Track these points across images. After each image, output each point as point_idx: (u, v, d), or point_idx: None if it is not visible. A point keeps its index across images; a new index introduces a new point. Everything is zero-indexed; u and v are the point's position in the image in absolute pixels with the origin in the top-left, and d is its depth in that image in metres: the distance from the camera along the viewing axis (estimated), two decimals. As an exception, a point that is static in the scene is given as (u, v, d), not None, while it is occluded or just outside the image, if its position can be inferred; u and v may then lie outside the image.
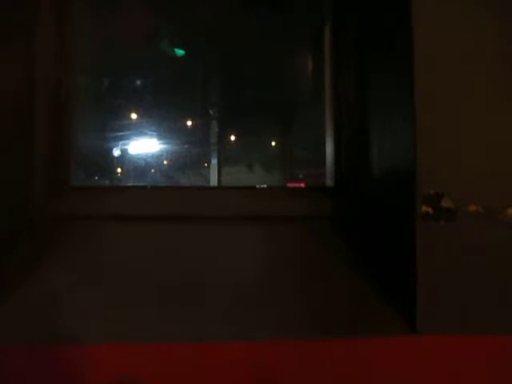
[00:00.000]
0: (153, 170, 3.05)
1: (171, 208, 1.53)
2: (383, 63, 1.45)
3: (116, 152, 2.87)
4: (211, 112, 3.08)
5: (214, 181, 3.09)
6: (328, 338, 1.22)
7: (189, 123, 3.14)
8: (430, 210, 1.20)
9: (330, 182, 1.67)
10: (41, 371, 1.16)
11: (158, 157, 2.97)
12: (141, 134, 2.85)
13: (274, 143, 3.24)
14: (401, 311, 1.25)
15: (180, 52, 2.76)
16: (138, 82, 2.84)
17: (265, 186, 1.72)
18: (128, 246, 1.43)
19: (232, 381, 1.19)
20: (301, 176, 3.10)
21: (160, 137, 2.88)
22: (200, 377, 1.18)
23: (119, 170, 3.02)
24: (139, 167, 2.98)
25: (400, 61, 1.29)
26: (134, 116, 2.93)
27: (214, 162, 3.16)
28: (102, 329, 1.20)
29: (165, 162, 3.04)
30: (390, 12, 1.38)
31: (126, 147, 2.90)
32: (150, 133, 2.85)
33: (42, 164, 1.51)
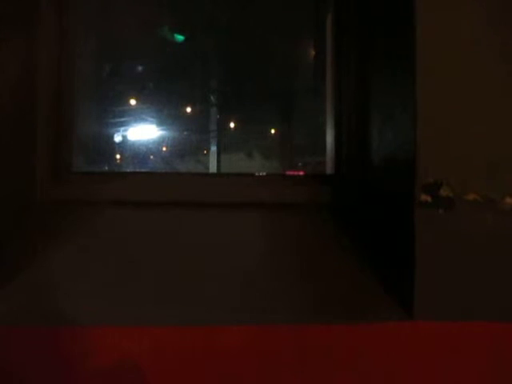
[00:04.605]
0: (152, 157, 3.05)
1: (171, 194, 1.54)
2: (385, 52, 1.45)
3: (115, 138, 2.87)
4: (211, 99, 3.07)
5: (213, 168, 3.09)
6: (327, 323, 1.23)
7: (188, 110, 3.13)
8: (428, 198, 1.21)
9: (329, 169, 1.67)
10: (42, 353, 1.18)
11: (157, 143, 2.96)
12: (140, 120, 2.85)
13: (273, 131, 3.24)
14: (399, 298, 1.26)
15: (180, 38, 2.74)
16: (138, 69, 2.83)
17: (263, 173, 1.72)
18: (129, 231, 1.43)
19: (232, 365, 1.21)
20: (300, 164, 3.10)
21: (159, 123, 2.88)
22: (200, 360, 1.20)
23: (118, 156, 3.01)
24: (138, 154, 2.98)
25: (401, 50, 1.29)
26: (133, 102, 2.92)
27: (214, 149, 3.16)
28: (102, 312, 1.21)
29: (164, 149, 3.04)
30: (392, 0, 1.38)
31: (126, 133, 2.89)
32: (149, 119, 2.85)
33: (44, 150, 1.51)
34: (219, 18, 2.61)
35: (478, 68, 1.22)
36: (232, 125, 3.28)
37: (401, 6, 1.29)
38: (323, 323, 1.23)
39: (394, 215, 1.34)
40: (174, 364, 1.19)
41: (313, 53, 2.34)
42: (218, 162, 3.15)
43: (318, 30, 1.81)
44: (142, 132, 2.96)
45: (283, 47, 2.64)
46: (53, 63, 1.53)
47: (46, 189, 1.50)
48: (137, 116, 2.84)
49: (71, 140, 1.58)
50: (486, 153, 1.22)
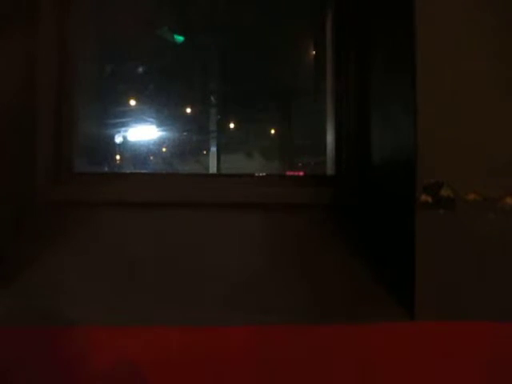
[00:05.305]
0: (152, 157, 3.04)
1: (172, 194, 1.54)
2: (385, 52, 1.45)
3: (115, 139, 2.86)
4: (211, 99, 3.07)
5: (213, 168, 3.08)
6: (327, 323, 1.23)
7: (188, 110, 3.13)
8: (429, 198, 1.21)
9: (330, 170, 1.67)
10: (42, 353, 1.18)
11: (157, 144, 2.96)
12: (140, 120, 2.84)
13: (273, 131, 3.23)
14: (400, 298, 1.27)
15: (180, 38, 2.74)
16: (138, 69, 2.83)
17: (263, 174, 1.72)
18: (129, 231, 1.44)
19: (232, 365, 1.21)
20: (300, 164, 3.09)
21: (159, 124, 2.87)
22: (200, 359, 1.20)
23: (118, 156, 3.01)
24: (138, 154, 2.97)
25: (402, 50, 1.30)
26: (133, 103, 2.92)
27: (214, 149, 3.14)
28: (102, 312, 1.21)
29: (163, 150, 3.03)
30: (392, 0, 1.38)
31: (125, 134, 2.89)
32: (149, 120, 2.85)
33: (45, 151, 1.51)
34: (219, 18, 2.61)
35: (479, 68, 1.22)
36: (232, 125, 3.27)
37: (401, 6, 1.29)
38: (324, 323, 1.23)
39: (395, 215, 1.35)
40: (173, 364, 1.20)
41: (313, 53, 2.34)
42: (218, 162, 3.14)
43: (318, 30, 1.81)
44: (142, 132, 2.95)
45: (283, 47, 2.64)
46: (53, 64, 1.54)
47: (47, 190, 1.50)
48: (136, 116, 2.83)
49: (72, 141, 1.58)
50: (486, 153, 1.22)
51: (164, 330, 1.20)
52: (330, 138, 1.69)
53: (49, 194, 1.50)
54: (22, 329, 1.19)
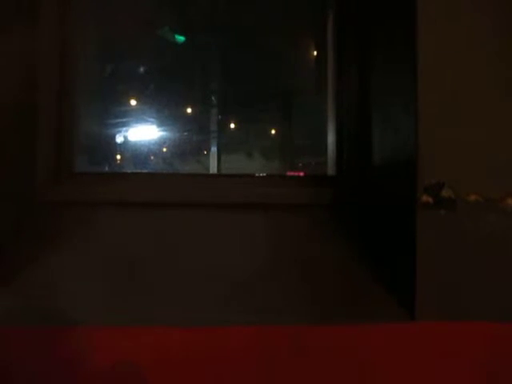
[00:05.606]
0: (152, 157, 3.04)
1: (172, 194, 1.54)
2: (386, 52, 1.45)
3: (116, 139, 2.86)
4: (211, 99, 3.07)
5: (213, 168, 3.08)
6: (327, 324, 1.23)
7: (189, 110, 3.13)
8: (430, 199, 1.21)
9: (331, 170, 1.67)
10: (42, 353, 1.18)
11: (158, 144, 2.96)
12: (140, 120, 2.84)
13: (273, 131, 3.23)
14: (400, 299, 1.27)
15: (181, 38, 2.74)
16: (138, 69, 2.83)
17: (264, 174, 1.72)
18: (129, 231, 1.44)
19: (232, 365, 1.21)
20: (300, 165, 3.09)
21: (160, 124, 2.87)
22: (200, 360, 1.20)
23: (118, 156, 3.01)
24: (138, 154, 2.97)
25: (403, 51, 1.30)
26: (133, 103, 2.92)
27: (214, 149, 3.15)
28: (102, 312, 1.21)
29: (164, 150, 3.03)
30: (393, 1, 1.38)
31: (126, 134, 2.89)
32: (149, 120, 2.85)
33: (45, 150, 1.51)
34: (220, 18, 2.61)
35: (479, 68, 1.22)
36: (232, 125, 3.26)
37: (402, 6, 1.29)
38: (324, 323, 1.23)
39: (396, 216, 1.34)
40: (173, 364, 1.20)
41: (314, 53, 2.34)
42: (219, 162, 3.14)
43: (319, 30, 1.82)
44: (143, 132, 2.95)
45: (284, 47, 2.64)
46: (54, 63, 1.54)
47: (47, 190, 1.50)
48: (137, 116, 2.83)
49: (72, 141, 1.58)
50: (487, 154, 1.22)
51: (164, 330, 1.20)
52: (330, 138, 1.69)
53: (49, 194, 1.50)
54: (22, 329, 1.19)
